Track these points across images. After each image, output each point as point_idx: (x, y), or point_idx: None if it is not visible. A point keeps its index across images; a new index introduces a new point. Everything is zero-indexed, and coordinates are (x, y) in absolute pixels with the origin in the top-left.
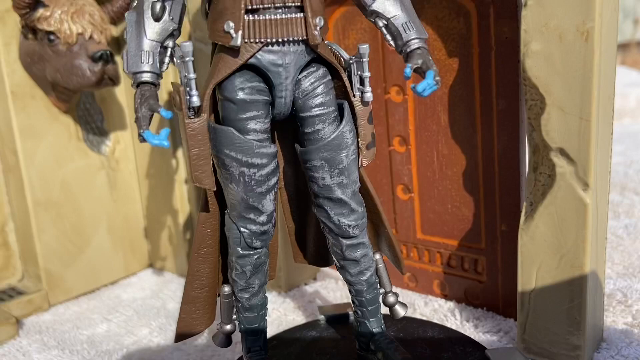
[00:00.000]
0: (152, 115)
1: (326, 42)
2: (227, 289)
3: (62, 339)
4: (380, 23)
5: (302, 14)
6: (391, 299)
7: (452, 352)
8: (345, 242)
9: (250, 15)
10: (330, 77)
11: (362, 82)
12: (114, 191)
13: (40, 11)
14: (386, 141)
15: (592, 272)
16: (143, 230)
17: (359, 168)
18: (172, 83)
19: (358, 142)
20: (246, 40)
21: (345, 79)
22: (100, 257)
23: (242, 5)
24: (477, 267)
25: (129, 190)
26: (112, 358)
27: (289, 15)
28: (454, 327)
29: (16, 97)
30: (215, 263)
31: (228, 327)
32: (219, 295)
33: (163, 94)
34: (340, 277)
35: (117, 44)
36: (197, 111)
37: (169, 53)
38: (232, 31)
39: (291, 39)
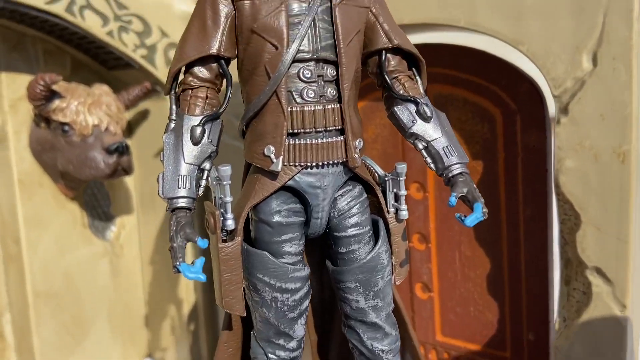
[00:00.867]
0: (186, 244)
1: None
2: None
3: None
4: (420, 145)
5: (342, 137)
6: None
7: None
8: None
9: (291, 139)
10: (365, 196)
11: (397, 199)
12: (116, 278)
13: (56, 102)
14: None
15: None
16: (144, 319)
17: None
18: (205, 204)
19: (392, 260)
20: (285, 163)
21: (380, 195)
22: (99, 348)
23: (284, 131)
24: None
25: (132, 276)
26: None
27: (329, 139)
28: None
29: (23, 186)
30: None
31: None
32: None
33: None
34: None
35: (129, 129)
36: (230, 233)
37: (205, 175)
38: (272, 156)
39: (331, 162)
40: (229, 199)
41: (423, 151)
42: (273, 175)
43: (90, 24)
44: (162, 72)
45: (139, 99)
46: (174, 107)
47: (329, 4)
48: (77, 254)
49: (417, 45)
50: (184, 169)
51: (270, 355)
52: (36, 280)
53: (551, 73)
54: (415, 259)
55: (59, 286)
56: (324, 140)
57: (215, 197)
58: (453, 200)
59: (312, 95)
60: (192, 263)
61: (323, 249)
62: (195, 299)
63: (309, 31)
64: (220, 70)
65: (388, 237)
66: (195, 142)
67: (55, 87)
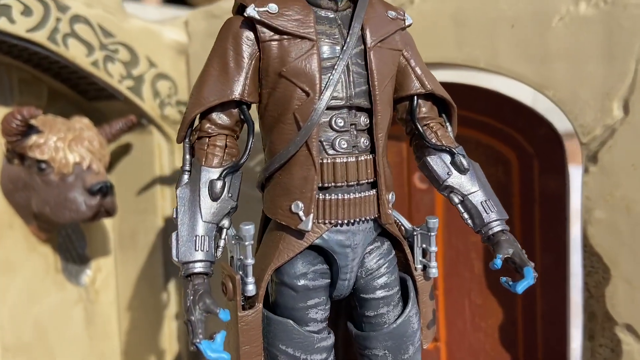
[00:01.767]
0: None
1: None
2: None
3: None
4: (456, 199)
5: (374, 191)
6: None
7: None
8: None
9: (321, 194)
10: (394, 253)
11: (424, 254)
12: (90, 327)
13: (34, 138)
14: None
15: None
16: None
17: None
18: (221, 265)
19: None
20: (314, 221)
21: (407, 250)
22: None
23: (315, 185)
24: None
25: (107, 324)
26: None
27: (361, 194)
28: None
29: None
30: None
31: None
32: None
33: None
34: None
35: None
36: (248, 299)
37: (224, 235)
38: (301, 213)
39: (363, 219)
40: (250, 261)
41: (459, 205)
42: (300, 233)
43: (75, 53)
44: (148, 105)
45: (123, 133)
46: (187, 156)
47: (362, 46)
48: (48, 302)
49: None
50: (201, 228)
51: None
52: (5, 332)
53: (579, 119)
54: None
55: (30, 337)
56: (356, 195)
57: (232, 258)
58: (499, 262)
59: (345, 145)
60: (211, 338)
61: (340, 305)
62: (179, 349)
63: (342, 76)
64: (241, 117)
65: (416, 297)
66: (215, 198)
67: (32, 121)
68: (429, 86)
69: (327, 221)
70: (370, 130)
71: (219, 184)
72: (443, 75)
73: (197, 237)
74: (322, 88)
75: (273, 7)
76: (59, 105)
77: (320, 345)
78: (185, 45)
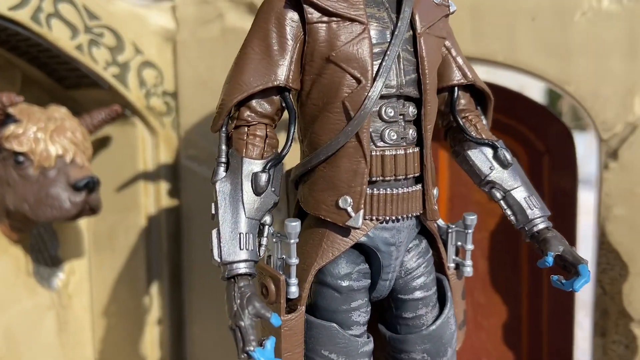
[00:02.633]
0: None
1: None
2: None
3: None
4: (499, 195)
5: (419, 186)
6: None
7: None
8: None
9: (368, 189)
10: (431, 253)
11: (457, 252)
12: (62, 334)
13: (11, 128)
14: None
15: None
16: None
17: None
18: (260, 266)
19: None
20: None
21: (442, 249)
22: None
23: (365, 179)
24: None
25: (81, 331)
26: None
27: (408, 189)
28: None
29: None
30: None
31: None
32: None
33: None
34: None
35: None
36: (288, 302)
37: (266, 232)
38: (349, 209)
39: (410, 215)
40: (294, 260)
41: (502, 202)
42: (345, 231)
43: (58, 35)
44: (134, 95)
45: (105, 124)
46: (223, 147)
47: (411, 32)
48: (19, 308)
49: None
50: (244, 225)
51: None
52: None
53: (600, 116)
54: None
55: None
56: (403, 190)
57: (270, 257)
58: (550, 260)
59: (395, 137)
60: (260, 345)
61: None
62: (160, 356)
63: (394, 63)
64: (282, 105)
65: None
66: (259, 192)
67: (10, 109)
68: (470, 77)
69: (373, 217)
70: (417, 122)
71: (264, 176)
72: None
73: (242, 235)
74: (375, 75)
75: None
76: (33, 93)
77: (363, 350)
78: (173, 32)
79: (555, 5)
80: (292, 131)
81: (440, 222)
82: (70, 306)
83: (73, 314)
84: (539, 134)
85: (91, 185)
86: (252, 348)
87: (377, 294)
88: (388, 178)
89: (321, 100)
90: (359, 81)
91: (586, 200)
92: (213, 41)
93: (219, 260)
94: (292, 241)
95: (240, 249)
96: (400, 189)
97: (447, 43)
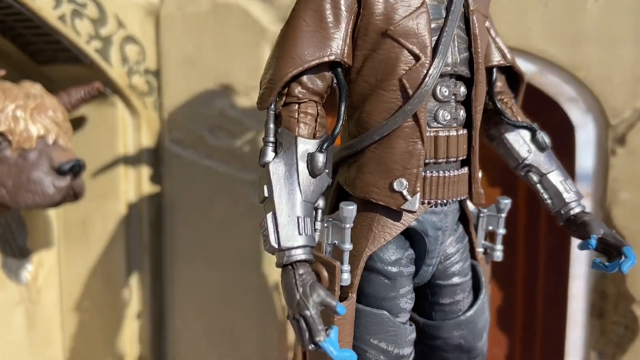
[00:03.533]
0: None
1: None
2: None
3: None
4: (535, 178)
5: (466, 169)
6: None
7: None
8: None
9: (422, 172)
10: (467, 238)
11: (486, 237)
12: (32, 331)
13: None
14: None
15: None
16: None
17: None
18: (314, 255)
19: None
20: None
21: (474, 233)
22: None
23: (422, 161)
24: None
25: (50, 328)
26: None
27: (457, 172)
28: None
29: None
30: None
31: None
32: None
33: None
34: None
35: None
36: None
37: (319, 216)
38: (405, 192)
39: (458, 198)
40: (348, 246)
41: (538, 185)
42: (396, 215)
43: (41, 4)
44: (116, 72)
45: (83, 103)
46: (272, 125)
47: (463, 9)
48: None
49: None
50: (300, 208)
51: None
52: None
53: (609, 102)
54: None
55: None
56: (454, 173)
57: (323, 244)
58: (594, 242)
59: (448, 117)
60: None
61: None
62: (139, 352)
63: (451, 40)
64: (334, 82)
65: None
66: (315, 173)
67: None
68: (509, 58)
69: (425, 201)
70: (466, 102)
71: (321, 157)
72: None
73: (299, 219)
74: (434, 51)
75: None
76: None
77: (410, 338)
78: (156, 6)
79: None
80: (342, 110)
81: (471, 206)
82: (39, 301)
83: (42, 309)
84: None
85: (77, 169)
86: (322, 338)
87: (419, 279)
88: (440, 160)
89: (374, 78)
90: (417, 58)
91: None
92: (202, 16)
93: (276, 246)
94: (347, 226)
95: (299, 233)
96: (450, 171)
97: (488, 23)
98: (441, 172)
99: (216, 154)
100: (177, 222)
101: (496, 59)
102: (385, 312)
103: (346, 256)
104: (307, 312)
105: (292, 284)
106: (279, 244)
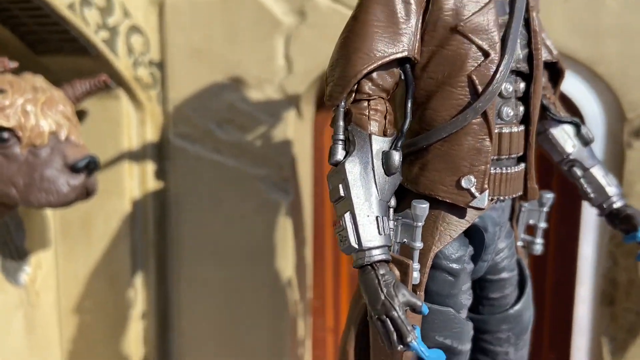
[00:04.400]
0: None
1: None
2: None
3: None
4: (579, 173)
5: (523, 166)
6: None
7: None
8: None
9: (489, 168)
10: (514, 234)
11: (526, 230)
12: (31, 336)
13: None
14: None
15: None
16: None
17: None
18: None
19: None
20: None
21: (516, 227)
22: None
23: (489, 158)
24: None
25: (48, 331)
26: None
27: (516, 169)
28: None
29: None
30: None
31: None
32: None
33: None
34: None
35: None
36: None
37: (391, 215)
38: (473, 189)
39: (516, 194)
40: (419, 244)
41: (582, 180)
42: (461, 212)
43: None
44: (123, 63)
45: (87, 96)
46: (341, 122)
47: (523, 5)
48: None
49: None
50: (378, 207)
51: None
52: None
53: (627, 96)
54: None
55: None
56: (513, 169)
57: (394, 242)
58: None
59: (511, 114)
60: None
61: None
62: (145, 353)
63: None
64: (402, 78)
65: None
66: (391, 172)
67: None
68: (556, 54)
69: (491, 198)
70: (525, 99)
71: (397, 155)
72: None
73: (380, 219)
74: (502, 48)
75: None
76: None
77: (471, 334)
78: None
79: None
80: (409, 106)
81: None
82: (38, 304)
83: (41, 312)
84: None
85: (92, 166)
86: (412, 339)
87: (474, 275)
88: (503, 157)
89: (441, 74)
90: (486, 54)
91: None
92: (211, 5)
93: (356, 246)
94: (419, 224)
95: (379, 233)
96: (510, 168)
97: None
98: (503, 168)
99: (225, 148)
100: (183, 219)
101: (544, 55)
102: (451, 309)
103: (416, 255)
104: (394, 313)
105: (375, 284)
106: (359, 244)
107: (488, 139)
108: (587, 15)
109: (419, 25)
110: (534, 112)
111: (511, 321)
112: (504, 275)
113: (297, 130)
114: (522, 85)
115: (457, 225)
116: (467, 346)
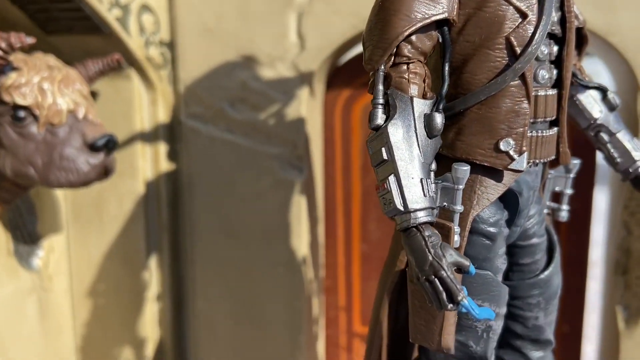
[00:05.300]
0: None
1: None
2: None
3: None
4: (606, 138)
5: (555, 129)
6: None
7: None
8: None
9: (527, 131)
10: (543, 200)
11: (553, 198)
12: (44, 321)
13: (13, 76)
14: None
15: None
16: None
17: None
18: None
19: None
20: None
21: (542, 193)
22: None
23: (528, 120)
24: None
25: (61, 316)
26: None
27: (550, 132)
28: None
29: None
30: None
31: None
32: None
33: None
34: None
35: None
36: None
37: (432, 178)
38: (512, 151)
39: (549, 158)
40: (460, 207)
41: (609, 145)
42: (498, 175)
43: None
44: (135, 42)
45: (100, 77)
46: (381, 86)
47: None
48: (1, 293)
49: None
50: (422, 170)
51: None
52: None
53: None
54: None
55: None
56: (548, 132)
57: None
58: None
59: (547, 76)
60: None
61: None
62: (160, 335)
63: None
64: (439, 40)
65: None
66: (433, 134)
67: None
68: (582, 19)
69: (530, 161)
70: (558, 62)
71: (439, 118)
72: None
73: (423, 180)
74: (540, 9)
75: None
76: None
77: (506, 298)
78: None
79: None
80: (447, 70)
81: None
82: (51, 289)
83: (54, 296)
84: None
85: (111, 145)
86: (463, 298)
87: (507, 240)
88: (538, 120)
89: (478, 37)
90: (524, 15)
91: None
92: None
93: (402, 208)
94: (460, 187)
95: (424, 195)
96: (545, 131)
97: None
98: (539, 131)
99: (238, 127)
100: (196, 199)
101: None
102: (490, 273)
103: (456, 218)
104: (443, 273)
105: (422, 246)
106: (405, 206)
107: (526, 101)
108: None
109: None
110: (566, 76)
111: (541, 286)
112: (534, 240)
113: (310, 108)
114: (555, 48)
115: (494, 189)
116: (503, 310)
